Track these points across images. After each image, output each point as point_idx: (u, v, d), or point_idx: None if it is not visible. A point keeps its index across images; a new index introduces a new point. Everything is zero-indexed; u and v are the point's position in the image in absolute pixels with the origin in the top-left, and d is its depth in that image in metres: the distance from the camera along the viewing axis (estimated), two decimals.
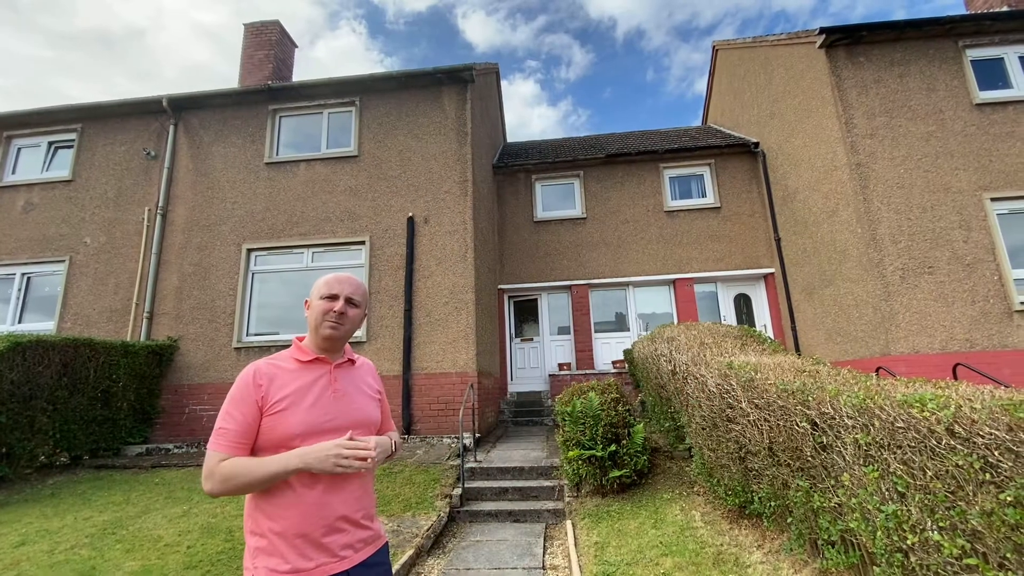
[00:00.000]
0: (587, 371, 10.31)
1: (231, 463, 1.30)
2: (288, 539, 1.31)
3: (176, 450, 7.49)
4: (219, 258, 8.45)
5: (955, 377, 5.19)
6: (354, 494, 1.43)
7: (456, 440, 7.07)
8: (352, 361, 1.62)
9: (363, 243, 8.26)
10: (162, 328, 8.20)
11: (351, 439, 1.37)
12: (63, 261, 8.69)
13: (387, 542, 1.56)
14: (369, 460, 1.34)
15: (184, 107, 9.23)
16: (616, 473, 4.97)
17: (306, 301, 1.59)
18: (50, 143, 9.59)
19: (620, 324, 11.04)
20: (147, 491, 5.63)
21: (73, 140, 9.44)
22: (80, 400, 6.47)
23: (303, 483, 1.34)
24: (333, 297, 1.53)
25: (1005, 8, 9.22)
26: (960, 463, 1.88)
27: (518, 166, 11.59)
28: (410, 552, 4.10)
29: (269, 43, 10.62)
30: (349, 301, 1.54)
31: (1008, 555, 1.72)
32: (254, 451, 1.38)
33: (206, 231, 8.61)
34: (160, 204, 8.70)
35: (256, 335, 8.18)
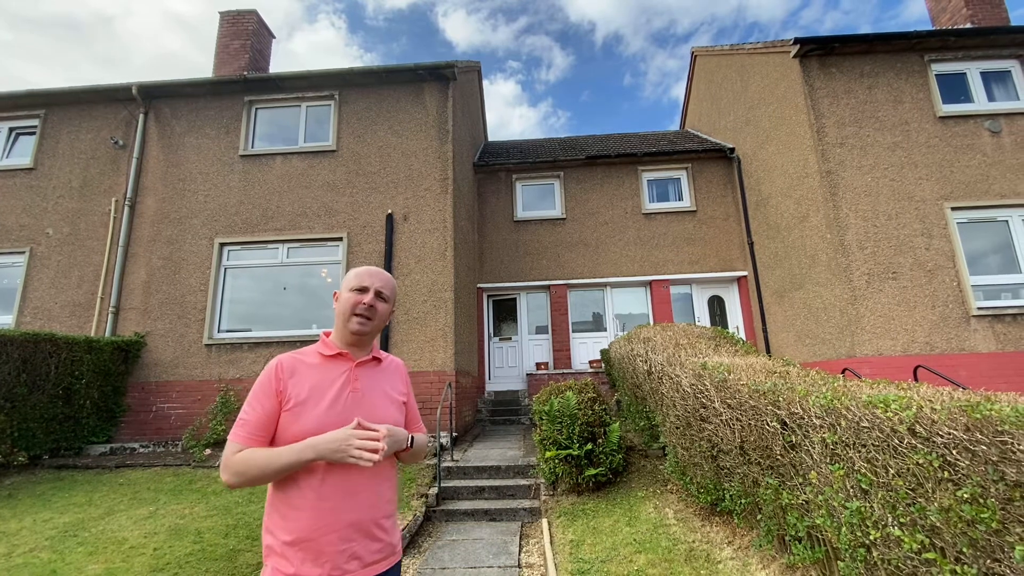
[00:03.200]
0: (564, 370, 10.39)
1: (244, 455, 1.28)
2: (294, 543, 1.28)
3: (142, 449, 7.26)
4: (190, 252, 8.22)
5: (916, 379, 5.40)
6: (368, 499, 1.37)
7: (433, 439, 7.04)
8: (378, 360, 1.57)
9: (340, 239, 8.14)
10: (129, 323, 7.93)
11: (359, 426, 1.33)
12: (23, 252, 8.32)
13: (400, 560, 1.48)
14: (379, 453, 1.28)
15: (155, 95, 8.94)
16: (592, 472, 5.02)
17: (335, 293, 1.57)
18: (11, 129, 9.17)
19: (597, 324, 11.15)
20: (111, 492, 5.45)
21: (35, 127, 9.05)
22: (40, 397, 6.22)
23: (313, 485, 1.31)
24: (363, 290, 1.50)
25: (969, 25, 9.62)
26: (920, 461, 1.96)
27: (499, 165, 11.59)
28: None
29: (246, 32, 10.37)
30: (379, 295, 1.51)
31: (964, 549, 1.80)
32: (274, 444, 1.35)
33: (177, 224, 8.36)
34: (128, 195, 8.41)
35: (228, 332, 7.99)
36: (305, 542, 1.27)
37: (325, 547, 1.28)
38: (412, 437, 1.53)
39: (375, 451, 1.28)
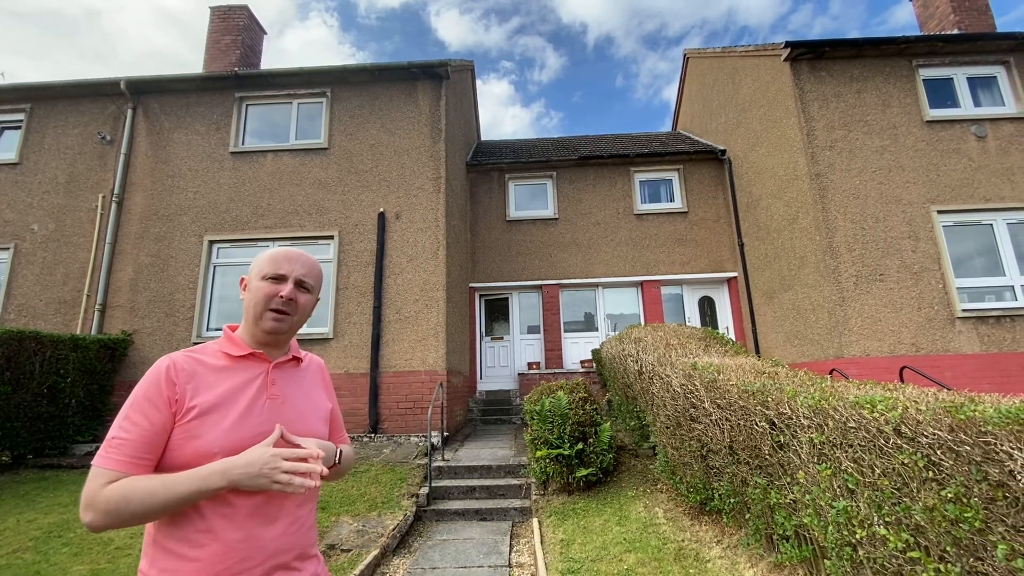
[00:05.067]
0: (556, 370, 10.40)
1: (121, 486, 0.95)
2: None
3: None
4: (179, 249, 8.13)
5: (902, 379, 5.48)
6: (290, 527, 1.11)
7: (424, 439, 7.02)
8: (297, 360, 1.29)
9: (332, 238, 8.09)
10: (115, 321, 7.83)
11: (284, 442, 1.08)
12: (7, 249, 8.18)
13: None
14: (314, 476, 1.03)
15: (144, 91, 8.82)
16: (583, 471, 5.04)
17: (242, 280, 1.25)
18: None
19: (589, 324, 11.18)
20: None
21: (21, 121, 8.90)
22: (24, 396, 6.12)
23: (219, 511, 1.02)
24: (279, 278, 1.19)
25: (956, 31, 9.75)
26: (906, 461, 1.99)
27: (492, 165, 11.58)
28: (375, 552, 4.06)
29: (237, 28, 10.27)
30: (300, 284, 1.21)
31: (948, 548, 1.83)
32: (159, 472, 1.03)
33: (165, 221, 8.27)
34: (115, 191, 8.30)
35: (216, 330, 7.90)
36: None
37: None
38: (340, 451, 1.27)
39: (307, 474, 1.02)
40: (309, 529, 1.18)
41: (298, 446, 1.09)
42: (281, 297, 1.18)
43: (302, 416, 1.21)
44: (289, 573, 1.09)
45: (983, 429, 1.74)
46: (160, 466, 1.04)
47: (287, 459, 1.01)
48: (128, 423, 1.02)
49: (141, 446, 1.01)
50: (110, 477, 0.97)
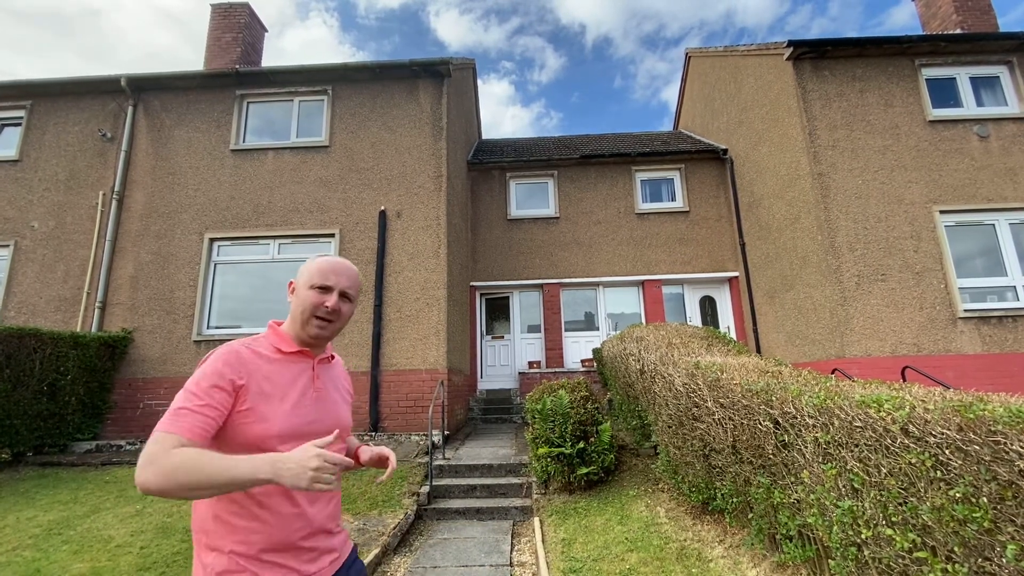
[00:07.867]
0: (557, 369, 10.39)
1: (192, 454, 1.00)
2: (256, 557, 1.13)
3: (128, 447, 7.15)
4: (179, 247, 8.11)
5: (904, 379, 5.47)
6: (327, 505, 1.29)
7: (425, 437, 7.01)
8: (331, 358, 1.46)
9: (332, 236, 8.07)
10: (116, 319, 7.81)
11: (332, 444, 1.17)
12: (7, 246, 8.16)
13: (355, 545, 1.44)
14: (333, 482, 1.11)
15: (144, 88, 8.80)
16: (584, 470, 5.03)
17: (290, 283, 1.37)
18: None
19: (590, 323, 11.16)
20: (97, 489, 5.36)
21: (21, 118, 8.87)
22: (24, 393, 6.10)
23: (277, 489, 1.15)
24: (326, 289, 1.31)
25: (959, 31, 9.73)
26: (913, 461, 1.97)
27: (493, 163, 11.56)
28: (376, 551, 4.04)
29: (238, 26, 10.24)
30: (344, 296, 1.34)
31: (956, 548, 1.82)
32: (225, 446, 1.15)
33: (166, 218, 8.25)
34: (116, 189, 8.28)
35: (217, 328, 7.89)
36: (273, 551, 1.15)
37: (297, 553, 1.19)
38: (371, 456, 1.50)
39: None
40: (338, 504, 1.39)
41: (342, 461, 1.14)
42: (327, 307, 1.31)
43: (337, 407, 1.38)
44: (328, 536, 1.28)
45: (993, 428, 1.73)
46: (229, 443, 1.15)
47: (329, 464, 1.04)
48: (195, 397, 1.11)
49: (201, 418, 1.09)
50: (173, 442, 1.03)
